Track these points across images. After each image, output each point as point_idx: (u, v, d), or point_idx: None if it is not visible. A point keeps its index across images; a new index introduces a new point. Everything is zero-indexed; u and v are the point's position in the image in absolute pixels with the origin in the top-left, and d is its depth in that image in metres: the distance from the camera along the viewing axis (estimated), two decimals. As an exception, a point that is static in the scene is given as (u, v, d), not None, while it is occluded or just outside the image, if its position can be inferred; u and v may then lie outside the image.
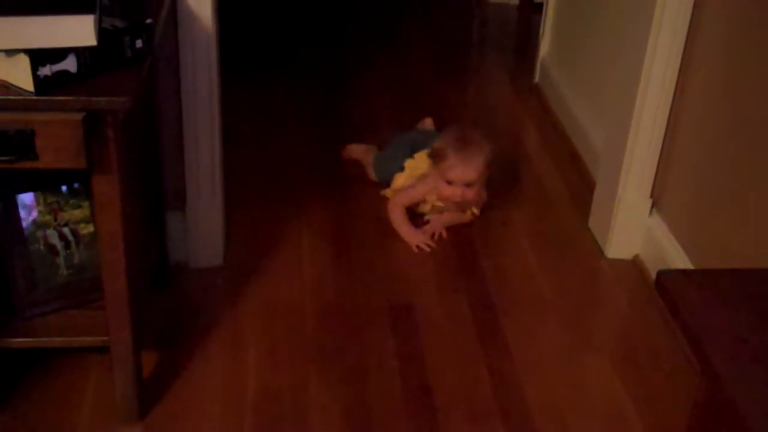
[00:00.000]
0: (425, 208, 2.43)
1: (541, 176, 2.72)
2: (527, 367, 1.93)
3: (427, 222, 2.41)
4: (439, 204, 2.40)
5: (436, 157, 2.34)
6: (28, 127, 1.39)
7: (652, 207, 2.27)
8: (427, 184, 2.38)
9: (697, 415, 0.95)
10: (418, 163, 2.45)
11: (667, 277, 0.96)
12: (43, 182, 1.73)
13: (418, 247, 2.32)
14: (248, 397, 1.81)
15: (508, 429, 1.77)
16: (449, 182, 2.31)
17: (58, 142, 1.41)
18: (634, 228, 2.29)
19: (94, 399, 1.78)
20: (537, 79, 3.27)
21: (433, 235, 2.37)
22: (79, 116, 1.41)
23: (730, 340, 0.88)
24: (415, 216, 2.43)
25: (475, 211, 2.42)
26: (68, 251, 1.77)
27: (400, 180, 2.47)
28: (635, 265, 2.30)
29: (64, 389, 1.80)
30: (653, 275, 2.18)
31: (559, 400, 1.85)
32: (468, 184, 2.31)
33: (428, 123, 2.81)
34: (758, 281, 0.98)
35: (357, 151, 2.70)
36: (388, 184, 2.52)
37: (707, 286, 0.95)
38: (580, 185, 2.64)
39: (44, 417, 1.74)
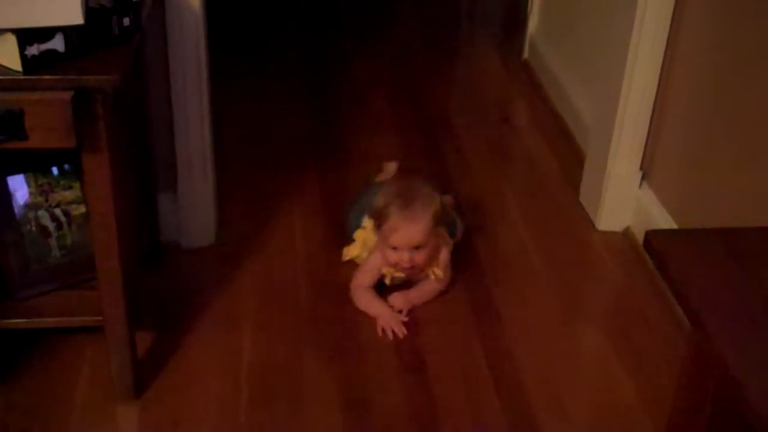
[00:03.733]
0: (386, 280, 2.05)
1: (531, 151, 2.73)
2: (520, 338, 1.95)
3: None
4: (399, 275, 2.04)
5: (377, 219, 1.99)
6: (16, 106, 1.39)
7: (642, 179, 2.28)
8: (378, 254, 2.03)
9: (687, 370, 0.96)
10: (369, 233, 2.09)
11: (655, 237, 0.97)
12: (34, 164, 1.73)
13: (383, 330, 1.95)
14: (243, 374, 1.82)
15: (502, 398, 1.79)
16: (394, 248, 1.97)
17: (47, 121, 1.41)
18: (625, 200, 2.30)
19: (90, 378, 1.79)
20: (526, 54, 3.27)
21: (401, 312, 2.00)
22: (67, 95, 1.41)
23: (718, 295, 0.89)
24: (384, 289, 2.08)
25: (438, 272, 2.03)
26: (60, 232, 1.78)
27: (353, 251, 2.13)
28: (626, 237, 2.31)
29: (60, 369, 1.81)
30: (644, 246, 2.20)
31: (552, 368, 1.87)
32: (417, 247, 1.96)
33: (391, 167, 2.42)
34: (742, 238, 1.00)
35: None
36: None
37: (694, 244, 0.96)
38: (570, 159, 2.64)
39: (41, 397, 1.74)
